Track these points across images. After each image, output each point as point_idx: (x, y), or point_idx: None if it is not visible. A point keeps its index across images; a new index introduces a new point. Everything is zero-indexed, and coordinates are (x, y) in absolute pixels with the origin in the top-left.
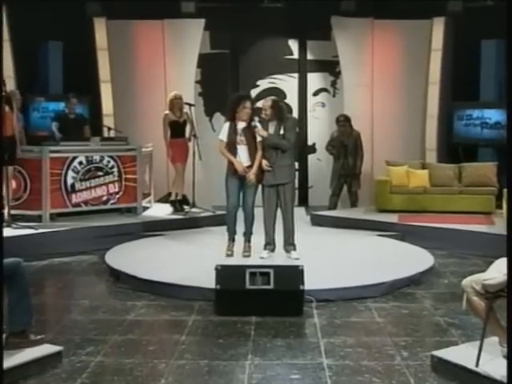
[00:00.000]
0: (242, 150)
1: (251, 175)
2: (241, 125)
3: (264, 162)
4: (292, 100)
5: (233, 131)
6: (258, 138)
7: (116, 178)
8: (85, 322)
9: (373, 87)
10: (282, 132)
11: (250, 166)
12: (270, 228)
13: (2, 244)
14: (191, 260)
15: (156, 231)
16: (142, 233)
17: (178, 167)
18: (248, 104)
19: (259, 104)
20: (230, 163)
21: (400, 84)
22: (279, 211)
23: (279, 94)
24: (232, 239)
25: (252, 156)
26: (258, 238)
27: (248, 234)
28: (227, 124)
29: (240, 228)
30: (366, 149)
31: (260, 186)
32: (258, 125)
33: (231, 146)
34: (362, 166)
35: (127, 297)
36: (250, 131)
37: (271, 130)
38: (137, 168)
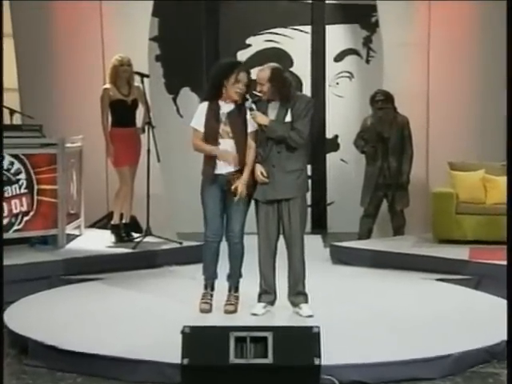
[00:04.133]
0: (227, 147)
1: (240, 185)
2: (226, 107)
3: (259, 169)
4: (302, 68)
5: (213, 116)
6: (251, 128)
7: (23, 191)
8: None
9: (429, 48)
10: (288, 119)
11: (239, 172)
12: (269, 268)
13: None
14: (144, 319)
15: (88, 273)
16: (65, 276)
17: (123, 173)
18: (243, 76)
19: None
20: (209, 162)
21: (472, 42)
22: (282, 241)
23: (282, 58)
24: (210, 285)
25: (241, 156)
26: (250, 283)
27: (235, 278)
28: (204, 105)
29: (223, 268)
30: (417, 144)
31: (253, 203)
32: (254, 107)
33: (210, 140)
34: (410, 170)
35: (39, 380)
36: (239, 117)
37: (271, 115)
38: (57, 174)
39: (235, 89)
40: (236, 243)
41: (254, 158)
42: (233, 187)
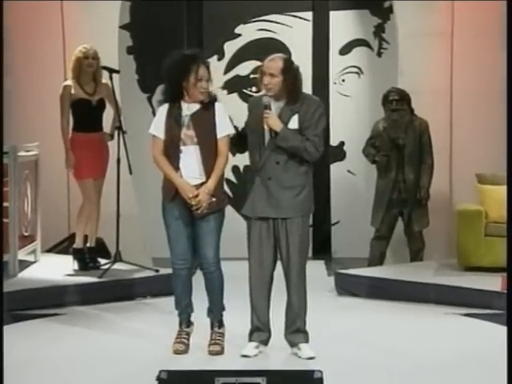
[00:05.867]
0: (191, 155)
1: (202, 193)
2: (189, 108)
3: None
4: (302, 63)
5: (174, 120)
6: (223, 132)
7: None
8: None
9: (453, 38)
10: (295, 125)
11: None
12: (262, 300)
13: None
14: (112, 363)
15: (45, 308)
16: (16, 311)
17: (87, 187)
18: (204, 72)
19: (239, 70)
20: (168, 181)
21: (504, 33)
22: (278, 268)
23: (278, 51)
24: (185, 322)
25: (209, 165)
26: (239, 318)
27: (217, 312)
28: (164, 107)
29: (200, 300)
30: (438, 152)
31: (243, 219)
32: (272, 105)
33: (171, 147)
34: (430, 184)
35: None
36: (206, 119)
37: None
38: (8, 189)
39: (198, 89)
40: (211, 272)
41: (224, 165)
42: (193, 194)
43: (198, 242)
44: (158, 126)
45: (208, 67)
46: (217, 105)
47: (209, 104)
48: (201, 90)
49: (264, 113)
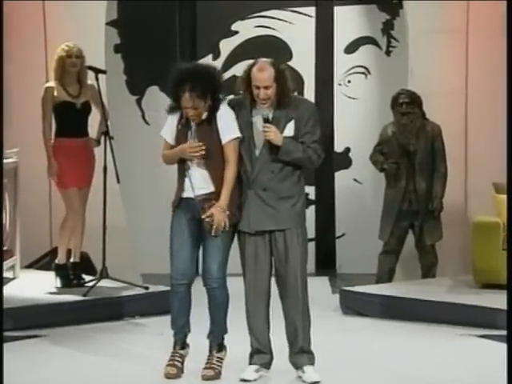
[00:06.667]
0: (197, 166)
1: (216, 212)
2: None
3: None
4: (304, 62)
5: (182, 131)
6: (229, 136)
7: None
8: None
9: (468, 36)
10: (290, 132)
11: (215, 194)
12: (261, 320)
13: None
14: None
15: (24, 329)
16: None
17: (71, 197)
18: (188, 100)
19: (237, 70)
20: (178, 183)
21: None
22: (274, 286)
23: (279, 49)
24: (180, 343)
25: (216, 175)
26: (240, 340)
27: (218, 334)
28: (175, 117)
29: (199, 320)
30: (452, 159)
31: (236, 235)
32: (270, 117)
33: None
34: (444, 194)
35: None
36: (209, 129)
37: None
38: None
39: (187, 114)
40: (214, 289)
41: (233, 174)
42: (206, 214)
43: (203, 255)
44: (168, 132)
45: (198, 93)
46: (219, 111)
47: (211, 114)
48: (189, 116)
49: (264, 127)
